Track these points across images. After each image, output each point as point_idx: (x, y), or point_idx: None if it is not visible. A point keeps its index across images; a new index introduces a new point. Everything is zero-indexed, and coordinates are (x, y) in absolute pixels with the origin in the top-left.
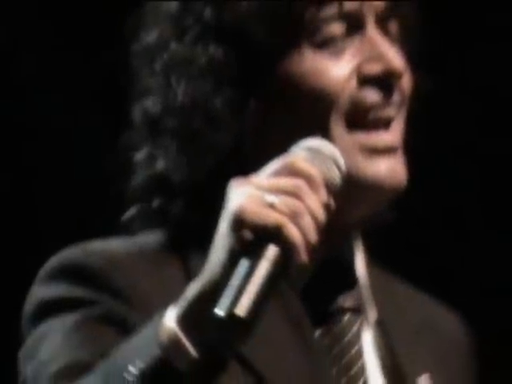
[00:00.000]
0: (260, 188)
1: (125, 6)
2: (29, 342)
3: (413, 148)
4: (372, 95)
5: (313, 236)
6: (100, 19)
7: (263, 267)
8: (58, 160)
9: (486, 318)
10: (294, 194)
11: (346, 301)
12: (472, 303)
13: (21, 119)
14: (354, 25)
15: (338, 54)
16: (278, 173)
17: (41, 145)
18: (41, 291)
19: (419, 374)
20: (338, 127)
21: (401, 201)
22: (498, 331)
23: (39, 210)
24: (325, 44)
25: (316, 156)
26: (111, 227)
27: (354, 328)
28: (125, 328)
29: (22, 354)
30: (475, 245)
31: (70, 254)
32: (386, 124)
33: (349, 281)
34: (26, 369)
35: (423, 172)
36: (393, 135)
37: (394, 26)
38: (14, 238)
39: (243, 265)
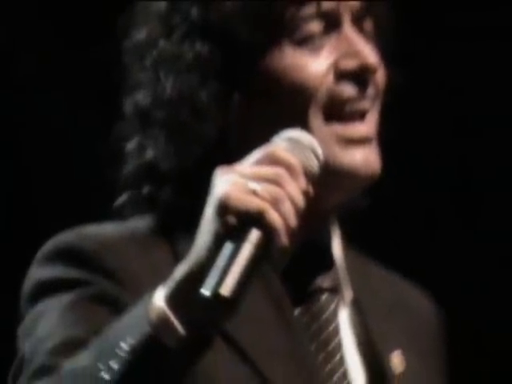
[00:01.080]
0: (243, 176)
1: (118, 6)
2: (27, 320)
3: (386, 139)
4: (348, 89)
5: (293, 220)
6: (96, 18)
7: (246, 250)
8: (57, 157)
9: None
10: (275, 181)
11: (324, 281)
12: (441, 289)
13: (21, 119)
14: (332, 23)
15: (316, 50)
16: (261, 162)
17: (40, 142)
18: (38, 272)
19: (392, 350)
20: (316, 119)
21: (375, 189)
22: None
23: (38, 202)
24: (304, 41)
25: (296, 146)
26: (105, 213)
27: (331, 307)
28: (117, 307)
29: (21, 331)
30: (445, 232)
31: (66, 237)
32: (361, 116)
33: (326, 263)
34: (24, 345)
35: (397, 161)
36: (368, 126)
37: (368, 25)
38: (14, 233)
39: (228, 248)
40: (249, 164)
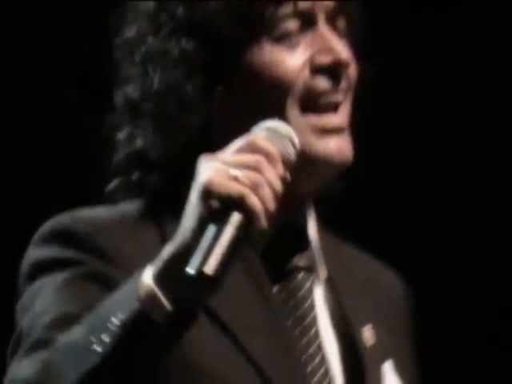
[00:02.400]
0: (226, 163)
1: (110, 5)
2: (24, 297)
3: (358, 128)
4: (323, 83)
5: (271, 204)
6: (92, 17)
7: (228, 232)
8: (54, 149)
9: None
10: (254, 168)
11: (300, 261)
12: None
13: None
14: (307, 22)
15: (293, 47)
16: (241, 150)
17: (35, 132)
18: (35, 252)
19: (363, 325)
20: (293, 110)
21: (348, 175)
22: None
23: (38, 191)
24: (282, 38)
25: (274, 135)
26: (98, 198)
27: (307, 284)
28: (108, 285)
29: (19, 307)
30: (414, 214)
31: (61, 220)
32: (334, 107)
33: (302, 243)
34: (22, 320)
35: (368, 149)
36: (340, 117)
37: (341, 23)
38: (12, 213)
39: (211, 230)
40: (231, 152)
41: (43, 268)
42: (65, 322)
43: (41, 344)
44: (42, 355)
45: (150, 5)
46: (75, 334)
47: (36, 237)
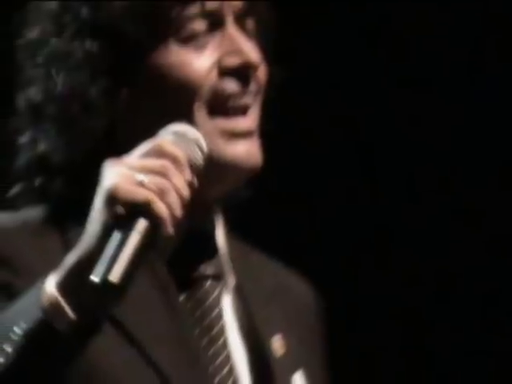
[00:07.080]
0: (131, 168)
1: (13, 5)
2: None
3: (268, 132)
4: (231, 85)
5: (178, 211)
6: None
7: (134, 239)
8: None
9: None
10: (161, 173)
11: (208, 268)
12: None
13: None
14: (215, 22)
15: (200, 48)
16: (148, 154)
17: None
18: None
19: (273, 334)
20: (200, 114)
21: (258, 180)
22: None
23: None
24: (189, 39)
25: (181, 139)
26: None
27: (215, 293)
28: (11, 294)
29: None
30: (324, 220)
31: None
32: (243, 111)
33: (210, 251)
34: None
35: (278, 153)
36: (250, 121)
37: (250, 23)
38: None
39: (116, 237)
40: (136, 156)
41: None
42: None
43: None
44: None
45: (53, 5)
46: None
47: None
